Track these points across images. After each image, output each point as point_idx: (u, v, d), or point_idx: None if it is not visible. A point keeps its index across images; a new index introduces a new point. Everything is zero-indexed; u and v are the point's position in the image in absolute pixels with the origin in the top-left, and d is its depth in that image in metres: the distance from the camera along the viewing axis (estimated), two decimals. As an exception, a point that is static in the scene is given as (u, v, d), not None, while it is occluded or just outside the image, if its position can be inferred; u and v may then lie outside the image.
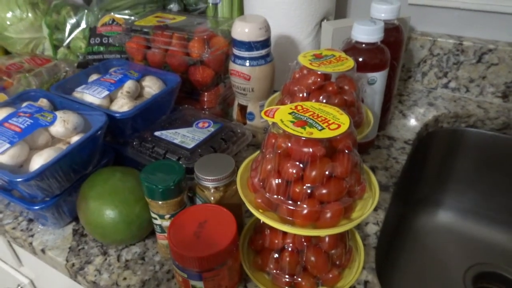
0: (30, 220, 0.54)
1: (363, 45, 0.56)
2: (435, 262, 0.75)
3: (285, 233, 0.41)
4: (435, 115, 0.75)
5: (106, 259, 0.48)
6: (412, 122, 0.73)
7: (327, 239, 0.41)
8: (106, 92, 0.55)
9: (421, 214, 0.83)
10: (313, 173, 0.35)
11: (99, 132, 0.49)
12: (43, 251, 0.51)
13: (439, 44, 0.77)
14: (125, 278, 0.46)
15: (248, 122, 0.65)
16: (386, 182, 0.59)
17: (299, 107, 0.39)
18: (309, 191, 0.36)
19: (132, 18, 0.75)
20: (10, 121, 0.49)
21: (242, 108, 0.65)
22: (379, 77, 0.57)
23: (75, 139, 0.50)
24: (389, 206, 0.56)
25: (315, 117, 0.37)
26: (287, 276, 0.42)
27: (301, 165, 0.35)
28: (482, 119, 0.74)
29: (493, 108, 0.75)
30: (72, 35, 0.86)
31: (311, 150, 0.35)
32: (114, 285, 0.45)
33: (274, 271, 0.42)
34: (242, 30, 0.57)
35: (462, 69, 0.78)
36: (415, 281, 0.72)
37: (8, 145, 0.45)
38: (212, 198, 0.44)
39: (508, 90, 0.75)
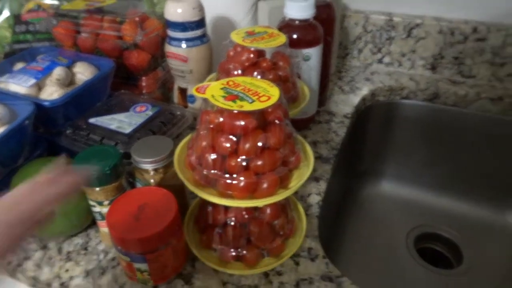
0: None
1: (296, 22, 0.57)
2: (380, 228, 0.79)
3: (226, 209, 0.42)
4: (371, 89, 0.78)
5: (46, 253, 0.47)
6: (351, 97, 0.76)
7: (268, 210, 0.42)
8: (33, 81, 0.52)
9: (365, 184, 0.87)
10: (247, 145, 0.36)
11: (26, 122, 0.46)
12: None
13: (371, 21, 0.81)
14: (67, 270, 0.45)
15: (189, 105, 0.65)
16: (327, 154, 0.62)
17: (230, 82, 0.39)
18: (244, 163, 0.36)
19: (58, 3, 0.71)
20: None
21: (182, 91, 0.64)
22: (313, 53, 0.59)
23: (0, 130, 0.47)
24: (330, 177, 0.58)
25: (246, 90, 0.37)
26: (232, 250, 0.43)
27: (234, 139, 0.36)
28: (414, 91, 0.79)
29: (423, 79, 0.80)
30: (-5, 24, 0.80)
31: (242, 123, 0.35)
32: (56, 278, 0.44)
33: (220, 246, 0.43)
34: (175, 11, 0.56)
35: (394, 44, 0.82)
36: (363, 247, 0.76)
37: None
38: (152, 181, 0.44)
39: (436, 62, 0.80)
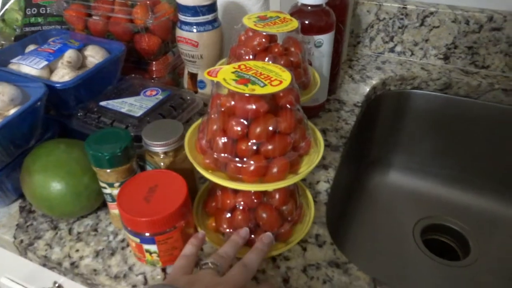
0: (-29, 200, 0.52)
1: (309, 8, 0.57)
2: (387, 217, 0.79)
3: (236, 193, 0.42)
4: (382, 78, 0.77)
5: (56, 233, 0.47)
6: (361, 86, 0.76)
7: (277, 195, 0.42)
8: (45, 63, 0.53)
9: (373, 173, 0.87)
10: (258, 129, 0.36)
11: (38, 104, 0.46)
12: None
13: (384, 8, 0.79)
14: (77, 250, 0.45)
15: (199, 90, 0.65)
16: (337, 142, 0.61)
17: (242, 66, 0.39)
18: (254, 147, 0.36)
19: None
20: None
21: (193, 76, 0.64)
22: (325, 40, 0.58)
23: (12, 112, 0.47)
24: (339, 165, 0.58)
25: (258, 74, 0.37)
26: (240, 234, 0.43)
27: (245, 122, 0.36)
28: (425, 81, 0.78)
29: (436, 69, 0.79)
30: (6, 6, 0.80)
31: (254, 106, 0.35)
32: (67, 257, 0.45)
33: (228, 230, 0.43)
34: (187, -6, 0.56)
35: (406, 33, 0.80)
36: (370, 235, 0.76)
37: None
38: (162, 164, 0.44)
39: (449, 51, 0.79)
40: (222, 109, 0.36)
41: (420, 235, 0.77)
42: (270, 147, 0.36)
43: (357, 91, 0.74)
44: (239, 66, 0.39)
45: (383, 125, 0.83)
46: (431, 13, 0.76)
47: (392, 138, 0.85)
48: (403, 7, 0.78)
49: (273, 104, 0.37)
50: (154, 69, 0.64)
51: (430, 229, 0.79)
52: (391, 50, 0.84)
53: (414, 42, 0.81)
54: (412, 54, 0.82)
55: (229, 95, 0.36)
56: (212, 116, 0.38)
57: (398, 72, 0.79)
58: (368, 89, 0.74)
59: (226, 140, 0.37)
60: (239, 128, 0.36)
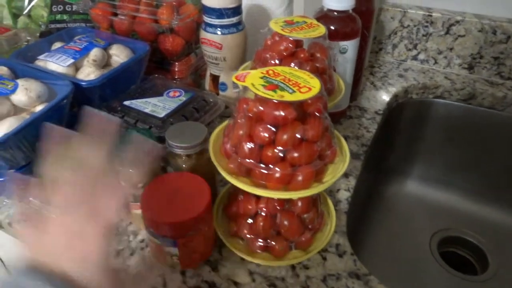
0: (-5, 194, 0.52)
1: (335, 13, 0.56)
2: (403, 227, 0.78)
3: (258, 199, 0.42)
4: (404, 86, 0.76)
5: (77, 231, 0.48)
6: (383, 93, 0.75)
7: (299, 203, 0.42)
8: (71, 60, 0.53)
9: (391, 182, 0.86)
10: (285, 136, 0.35)
11: (64, 101, 0.47)
12: (10, 224, 0.49)
13: (409, 15, 0.78)
14: (97, 249, 0.46)
15: (220, 92, 0.64)
16: (357, 150, 0.61)
17: (270, 72, 0.38)
18: (281, 154, 0.36)
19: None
20: (-33, 90, 0.46)
21: (215, 78, 0.64)
22: (350, 46, 0.58)
23: (39, 108, 0.48)
24: (360, 174, 0.58)
25: (286, 81, 0.37)
26: (261, 240, 0.43)
27: (272, 129, 0.35)
28: (449, 90, 0.77)
29: (460, 79, 0.78)
30: (33, 3, 0.81)
31: (282, 113, 0.35)
32: (86, 256, 0.45)
33: (249, 236, 0.43)
34: (213, -4, 0.56)
35: (431, 41, 0.79)
36: (386, 245, 0.75)
37: (-35, 115, 0.43)
38: (184, 166, 0.44)
39: (474, 61, 0.78)
40: (250, 115, 0.36)
41: (437, 247, 0.76)
42: (296, 154, 0.36)
43: (378, 98, 0.73)
44: (267, 72, 0.38)
45: (403, 134, 0.82)
46: (457, 21, 0.75)
47: (411, 147, 0.83)
48: (428, 15, 0.77)
49: (300, 111, 0.36)
50: (176, 69, 0.64)
51: (447, 242, 0.78)
52: (414, 57, 0.82)
53: (438, 51, 0.79)
54: (436, 62, 0.81)
55: (256, 101, 0.36)
56: (239, 121, 0.38)
57: (421, 80, 0.78)
58: (390, 97, 0.73)
59: (252, 145, 0.36)
60: (266, 134, 0.35)
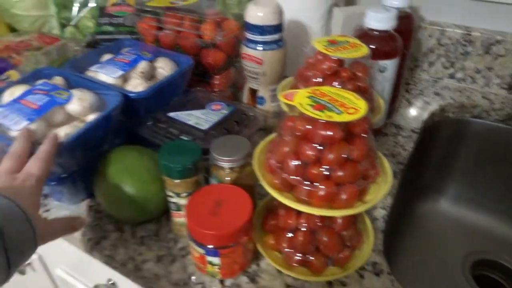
0: (45, 196, 0.55)
1: (376, 32, 0.57)
2: (436, 247, 0.77)
3: (299, 214, 0.42)
4: (441, 104, 0.76)
5: (121, 235, 0.50)
6: (418, 111, 0.74)
7: (339, 220, 0.42)
8: (121, 72, 0.56)
9: (425, 200, 0.85)
10: (331, 155, 0.36)
11: (115, 111, 0.49)
12: None
13: (447, 34, 0.78)
14: (140, 253, 0.47)
15: (258, 106, 0.66)
16: (394, 168, 0.61)
17: (316, 91, 0.40)
18: (326, 173, 0.37)
19: (143, -1, 0.75)
20: (26, 98, 0.49)
21: (253, 92, 0.66)
22: (390, 65, 0.58)
23: (90, 117, 0.50)
24: (396, 192, 0.58)
25: (333, 101, 0.38)
26: (299, 255, 0.43)
27: (319, 147, 0.36)
28: (487, 110, 0.76)
29: (498, 99, 0.76)
30: (80, 14, 0.86)
31: (330, 133, 0.36)
32: (131, 260, 0.47)
33: (287, 249, 0.44)
34: (256, 14, 0.58)
35: (469, 60, 0.78)
36: (418, 265, 0.74)
37: (26, 122, 0.46)
38: (227, 179, 0.45)
39: (514, 81, 0.76)
40: (297, 133, 0.37)
41: (470, 270, 0.74)
42: (341, 173, 0.37)
43: (414, 116, 0.73)
44: (313, 91, 0.40)
45: (438, 152, 0.81)
46: (497, 41, 0.74)
47: (447, 166, 0.82)
48: (467, 34, 0.76)
49: (346, 131, 0.37)
50: (216, 82, 0.66)
51: (480, 265, 0.76)
52: (451, 76, 0.82)
53: (476, 70, 0.79)
54: (474, 81, 0.80)
55: (304, 119, 0.37)
56: (285, 138, 0.39)
57: (458, 99, 0.77)
58: (426, 115, 0.73)
59: (298, 163, 0.37)
60: (312, 153, 0.36)
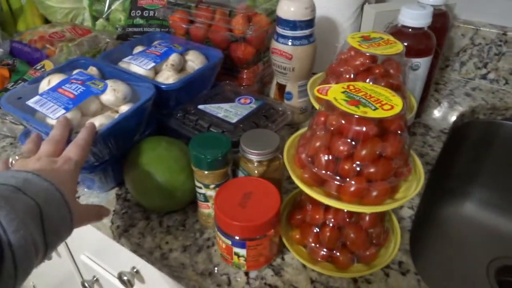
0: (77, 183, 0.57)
1: (410, 30, 0.56)
2: (460, 251, 0.75)
3: (326, 209, 0.42)
4: (472, 105, 0.74)
5: (148, 224, 0.51)
6: (448, 111, 0.73)
7: (367, 217, 0.42)
8: (152, 64, 0.57)
9: (450, 202, 0.83)
10: (364, 151, 0.36)
11: (148, 103, 0.50)
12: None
13: (481, 33, 0.76)
14: (167, 242, 0.48)
15: (286, 101, 0.66)
16: (421, 168, 0.59)
17: (351, 87, 0.39)
18: (358, 168, 0.37)
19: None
20: (63, 87, 0.51)
21: (281, 87, 0.66)
22: (423, 63, 0.57)
23: (123, 108, 0.51)
24: (424, 193, 0.57)
25: (368, 97, 0.38)
26: (325, 250, 0.43)
27: (352, 143, 0.36)
28: (520, 113, 0.73)
29: (533, 101, 0.74)
30: (112, 7, 0.88)
31: (364, 128, 0.35)
32: (158, 248, 0.48)
33: (313, 244, 0.44)
34: (288, 9, 0.58)
35: (503, 61, 0.76)
36: (441, 268, 0.73)
37: (63, 111, 0.47)
38: (256, 172, 0.46)
39: (550, 84, 0.74)
40: (331, 128, 0.37)
41: (494, 275, 0.72)
42: (373, 170, 0.37)
43: (444, 116, 0.71)
44: (347, 87, 0.39)
45: (467, 154, 0.79)
46: (535, 42, 0.72)
47: (474, 168, 0.80)
48: (503, 34, 0.74)
49: (380, 127, 0.37)
50: (244, 77, 0.66)
51: (506, 270, 0.74)
52: (483, 77, 0.80)
53: (510, 71, 0.76)
54: (507, 83, 0.78)
55: (338, 114, 0.37)
56: (318, 133, 0.39)
57: (490, 101, 0.75)
58: (455, 116, 0.71)
59: (330, 158, 0.37)
60: (345, 148, 0.36)
